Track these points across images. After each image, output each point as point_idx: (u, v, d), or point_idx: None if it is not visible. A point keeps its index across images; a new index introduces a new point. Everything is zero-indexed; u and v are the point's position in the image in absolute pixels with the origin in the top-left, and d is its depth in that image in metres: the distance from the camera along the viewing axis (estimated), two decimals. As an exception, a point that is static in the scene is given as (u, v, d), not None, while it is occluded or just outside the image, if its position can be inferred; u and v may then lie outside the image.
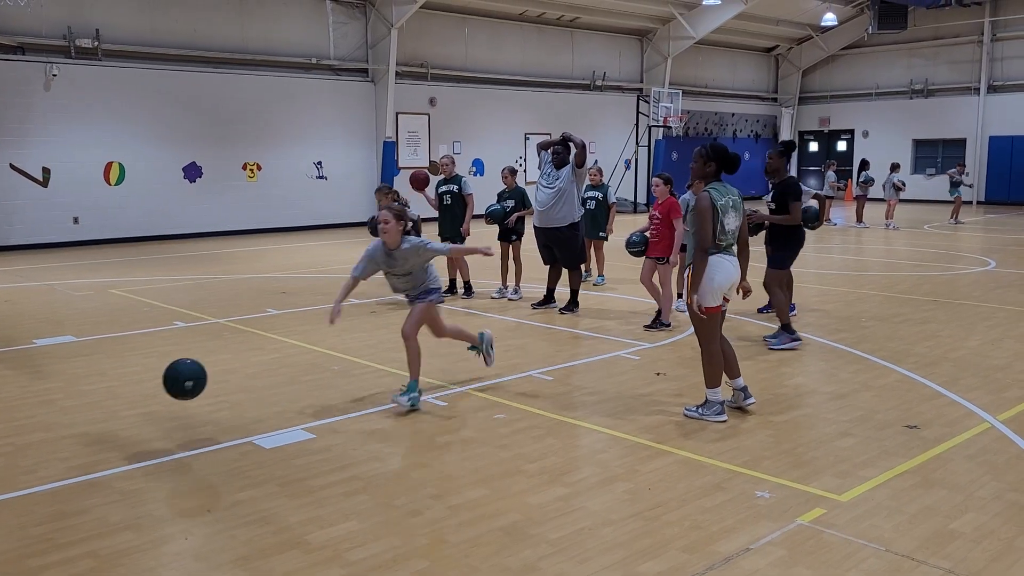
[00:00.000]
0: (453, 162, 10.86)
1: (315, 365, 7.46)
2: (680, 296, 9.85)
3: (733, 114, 30.82)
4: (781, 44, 31.29)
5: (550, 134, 24.42)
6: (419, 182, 10.61)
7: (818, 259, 15.21)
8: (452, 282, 10.91)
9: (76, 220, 16.80)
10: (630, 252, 9.28)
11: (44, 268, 13.66)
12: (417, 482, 4.85)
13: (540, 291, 10.33)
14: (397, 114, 21.30)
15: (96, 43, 16.83)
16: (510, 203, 10.61)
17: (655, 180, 9.11)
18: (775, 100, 32.46)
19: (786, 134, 32.12)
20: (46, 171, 16.47)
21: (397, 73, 20.80)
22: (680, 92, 26.54)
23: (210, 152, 18.58)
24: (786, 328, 8.09)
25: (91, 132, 16.94)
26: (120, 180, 17.43)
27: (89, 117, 16.89)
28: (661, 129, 26.68)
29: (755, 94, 31.77)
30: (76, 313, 9.92)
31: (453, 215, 10.61)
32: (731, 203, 5.79)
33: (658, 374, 7.12)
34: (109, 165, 17.29)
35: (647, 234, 9.05)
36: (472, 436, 5.59)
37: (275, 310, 10.06)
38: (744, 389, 6.04)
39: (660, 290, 8.97)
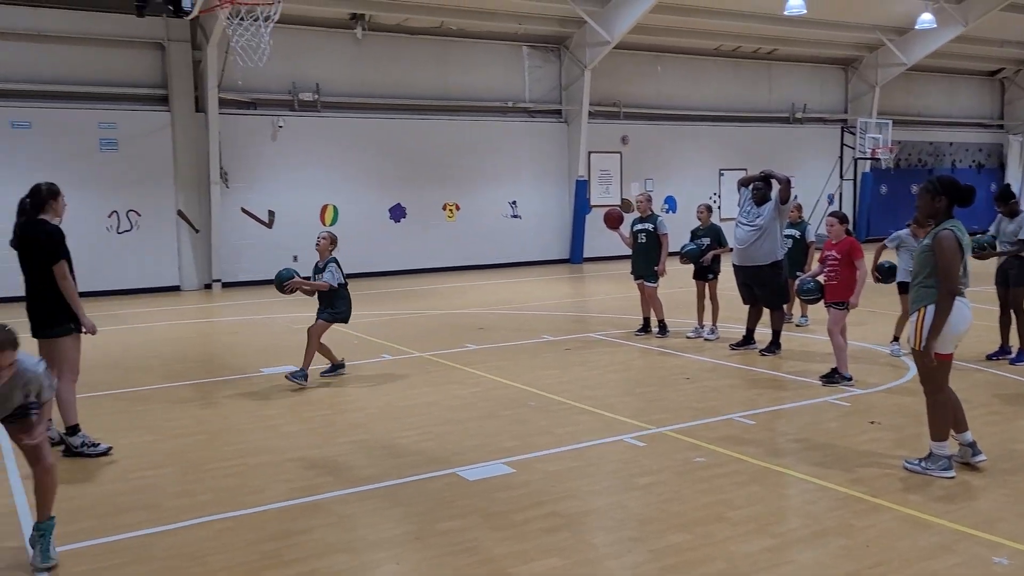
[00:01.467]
0: (649, 200, 10.82)
1: (513, 400, 7.62)
2: (895, 340, 9.22)
3: (951, 143, 28.67)
4: (1007, 67, 28.84)
5: (746, 170, 23.75)
6: (613, 220, 10.65)
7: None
8: (646, 321, 10.82)
9: (295, 258, 18.18)
10: (804, 300, 8.69)
11: (268, 302, 14.88)
12: (617, 523, 4.81)
13: (739, 331, 10.03)
14: (589, 153, 21.55)
15: (316, 96, 18.31)
16: (705, 241, 10.41)
17: (829, 219, 8.27)
18: (1001, 127, 29.88)
19: (1015, 163, 29.45)
20: (271, 213, 18.02)
21: (590, 113, 21.09)
22: (890, 122, 25.07)
23: (413, 193, 19.62)
24: None
25: (309, 177, 18.37)
26: (334, 221, 18.75)
27: (308, 163, 18.34)
28: (868, 161, 25.28)
29: (977, 121, 29.41)
30: (295, 345, 10.68)
31: (648, 254, 10.54)
32: (966, 241, 5.40)
33: (872, 422, 6.68)
34: (325, 207, 18.66)
35: (821, 279, 8.27)
36: (671, 479, 5.48)
37: (473, 345, 10.39)
38: (973, 444, 5.54)
39: (832, 340, 8.06)
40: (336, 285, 8.55)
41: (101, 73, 16.35)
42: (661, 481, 5.44)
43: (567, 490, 5.31)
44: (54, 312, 6.11)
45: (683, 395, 7.70)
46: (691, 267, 10.55)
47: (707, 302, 10.48)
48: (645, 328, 10.78)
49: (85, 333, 6.24)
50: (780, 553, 4.33)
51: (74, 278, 6.18)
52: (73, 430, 6.19)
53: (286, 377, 8.35)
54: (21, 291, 6.24)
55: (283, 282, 8.50)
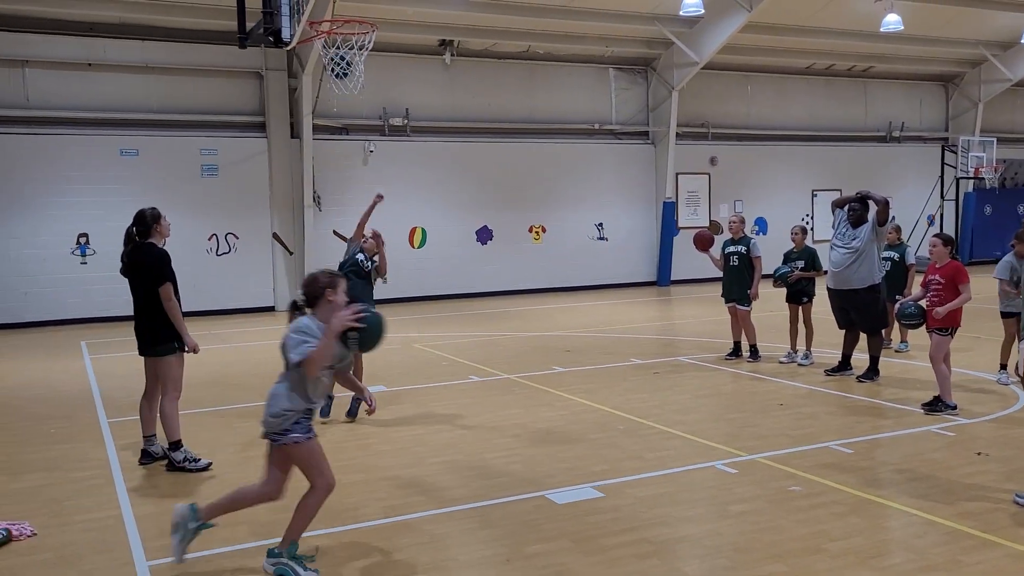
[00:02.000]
0: (743, 221, 10.64)
1: (601, 424, 7.56)
2: (1003, 368, 8.81)
3: (1059, 161, 27.32)
4: (1120, 80, 27.36)
5: (840, 190, 23.09)
6: (704, 242, 10.51)
7: None
8: (736, 344, 10.60)
9: (385, 280, 18.57)
10: (905, 325, 8.26)
11: (358, 323, 15.19)
12: (710, 550, 4.72)
13: (834, 356, 9.73)
14: (677, 174, 21.37)
15: (406, 121, 18.72)
16: (799, 264, 10.16)
17: (933, 240, 7.87)
18: (1115, 143, 28.33)
19: None
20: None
21: (677, 134, 20.92)
22: (995, 140, 24.03)
23: (500, 216, 19.79)
24: None
25: (399, 200, 18.72)
26: (423, 243, 19.07)
27: (398, 186, 18.71)
28: (971, 181, 24.27)
29: (1087, 137, 27.97)
30: (387, 365, 10.90)
31: (741, 276, 10.35)
32: None
33: (979, 454, 6.38)
34: (413, 230, 19.00)
35: (924, 303, 7.87)
36: (766, 507, 5.34)
37: (561, 367, 10.38)
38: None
39: (934, 368, 7.69)
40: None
41: (203, 102, 17.12)
42: (755, 509, 5.31)
43: (657, 516, 5.23)
44: (160, 332, 6.40)
45: (777, 421, 7.51)
46: (784, 290, 10.31)
47: (800, 326, 10.21)
48: (736, 352, 10.57)
49: (188, 352, 6.51)
50: (883, 588, 4.17)
51: (179, 299, 6.46)
52: (176, 445, 6.44)
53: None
54: (130, 311, 6.55)
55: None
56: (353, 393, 7.47)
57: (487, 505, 5.51)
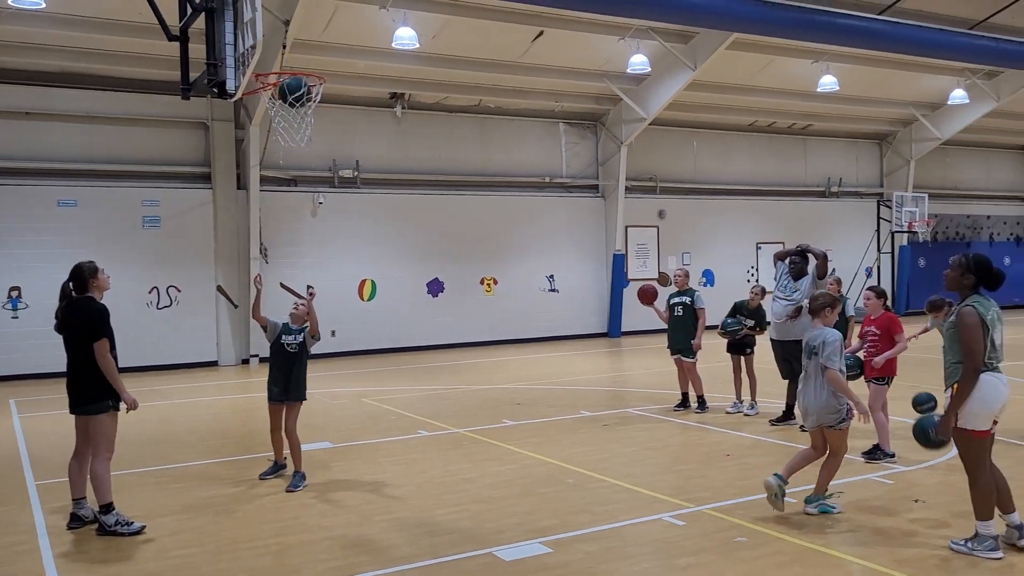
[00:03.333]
0: (687, 275, 10.81)
1: (550, 477, 7.52)
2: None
3: (988, 216, 28.40)
4: (1043, 139, 28.73)
5: (783, 243, 23.68)
6: (647, 296, 10.63)
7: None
8: (684, 396, 10.68)
9: (333, 333, 18.34)
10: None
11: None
12: (657, 606, 4.68)
13: (778, 406, 9.86)
14: (626, 227, 21.68)
15: (356, 173, 18.74)
16: (749, 323, 10.29)
17: (866, 293, 8.15)
18: (1039, 199, 29.60)
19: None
20: (310, 289, 18.24)
21: (626, 188, 21.28)
22: (926, 195, 24.96)
23: (451, 267, 19.81)
24: None
25: (349, 252, 18.67)
26: (372, 296, 18.95)
27: (347, 239, 18.67)
28: (906, 235, 25.09)
29: (1015, 195, 29.15)
30: (333, 420, 10.73)
31: (685, 328, 10.47)
32: (997, 316, 5.34)
33: (916, 501, 6.49)
34: (363, 282, 18.89)
35: (860, 355, 8.03)
36: (712, 559, 5.34)
37: (511, 421, 10.32)
38: (1020, 527, 5.35)
39: (873, 416, 7.69)
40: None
41: (146, 152, 16.92)
42: (701, 563, 5.30)
43: (605, 571, 5.19)
44: (93, 389, 6.21)
45: (723, 472, 7.55)
46: (726, 341, 10.46)
47: (745, 376, 10.34)
48: (684, 403, 10.65)
49: (126, 409, 6.32)
50: (828, 641, 4.18)
51: (115, 355, 6.29)
52: (107, 508, 6.20)
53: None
54: (63, 367, 6.36)
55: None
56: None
57: (434, 564, 5.41)
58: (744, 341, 10.32)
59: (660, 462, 8.12)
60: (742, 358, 10.36)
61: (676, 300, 10.62)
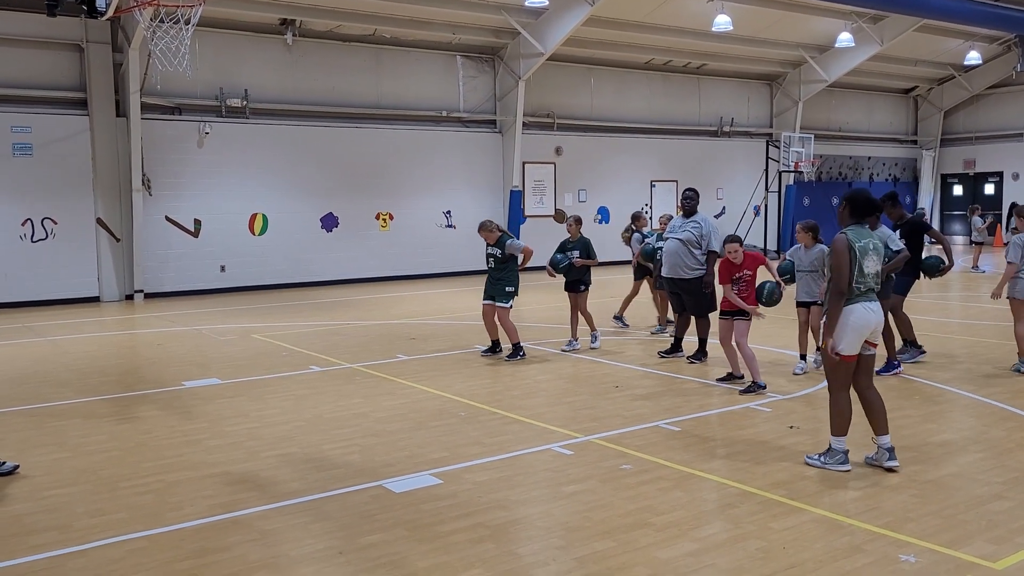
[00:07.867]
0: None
1: (442, 411, 7.58)
2: (803, 357, 9.20)
3: (869, 158, 29.70)
4: (920, 85, 30.03)
5: (676, 181, 24.23)
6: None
7: (965, 309, 14.34)
8: (495, 343, 10.36)
9: (223, 268, 17.81)
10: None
11: (193, 314, 14.52)
12: (542, 531, 4.82)
13: (606, 340, 10.17)
14: (524, 163, 21.66)
15: (244, 102, 17.99)
16: (575, 253, 10.42)
17: (730, 246, 8.15)
18: (915, 143, 31.08)
19: (927, 177, 30.66)
20: (197, 222, 17.59)
21: (524, 124, 21.20)
22: (812, 136, 25.88)
23: (346, 203, 19.41)
24: (912, 344, 9.12)
25: (238, 185, 18.02)
26: (263, 230, 18.42)
27: (237, 171, 17.99)
28: (792, 174, 26.01)
29: (893, 137, 30.54)
30: (221, 357, 10.47)
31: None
32: (871, 246, 5.62)
33: (792, 427, 6.85)
34: (254, 216, 18.32)
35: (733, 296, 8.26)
36: (598, 486, 5.51)
37: (405, 355, 10.31)
38: (891, 450, 5.73)
39: (741, 352, 8.22)
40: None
41: (15, 74, 15.80)
42: (588, 489, 5.47)
43: (494, 500, 5.29)
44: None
45: (612, 403, 7.77)
46: (562, 280, 10.58)
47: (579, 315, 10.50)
48: (494, 349, 10.33)
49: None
50: (700, 557, 4.40)
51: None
52: (-21, 447, 5.93)
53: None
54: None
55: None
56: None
57: (322, 498, 5.39)
58: (580, 279, 10.40)
59: (552, 394, 8.29)
60: (577, 296, 10.47)
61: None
